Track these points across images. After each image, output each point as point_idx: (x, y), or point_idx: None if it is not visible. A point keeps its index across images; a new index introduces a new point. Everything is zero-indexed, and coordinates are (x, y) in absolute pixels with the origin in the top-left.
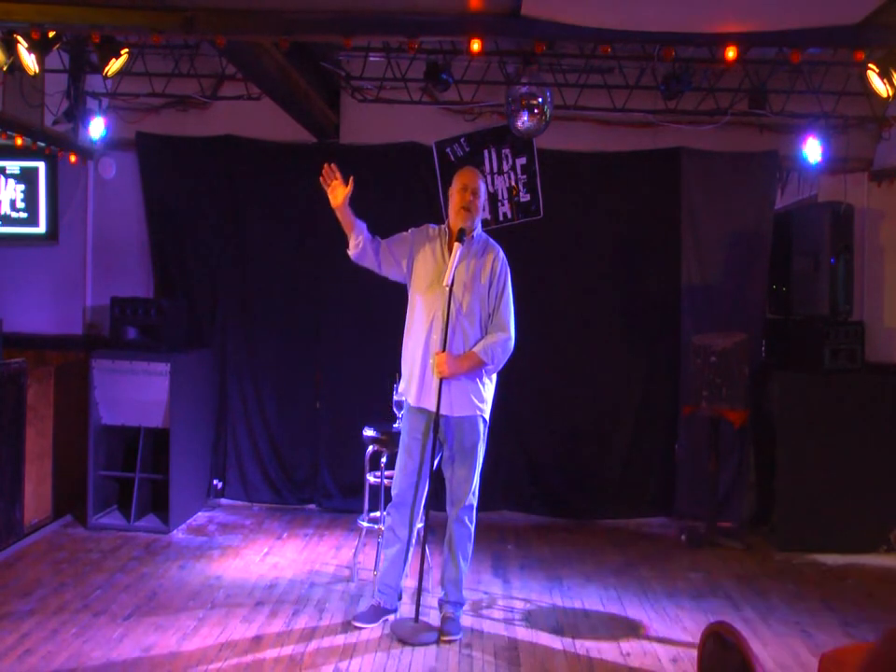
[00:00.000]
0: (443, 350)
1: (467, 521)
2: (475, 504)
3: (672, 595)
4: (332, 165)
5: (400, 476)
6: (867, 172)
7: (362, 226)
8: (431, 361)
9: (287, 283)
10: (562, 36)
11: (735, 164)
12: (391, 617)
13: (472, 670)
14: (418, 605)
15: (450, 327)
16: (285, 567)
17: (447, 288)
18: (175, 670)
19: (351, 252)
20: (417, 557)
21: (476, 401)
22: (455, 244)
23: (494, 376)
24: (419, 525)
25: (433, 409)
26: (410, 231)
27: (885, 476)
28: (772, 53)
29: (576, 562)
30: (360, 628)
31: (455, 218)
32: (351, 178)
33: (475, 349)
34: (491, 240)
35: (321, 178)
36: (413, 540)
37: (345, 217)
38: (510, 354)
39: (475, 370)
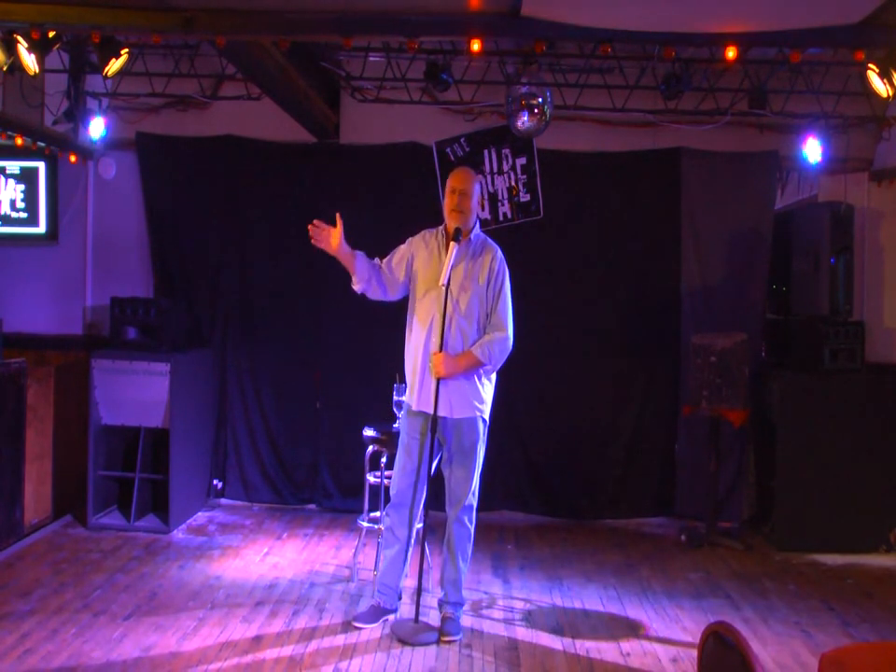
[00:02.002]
0: (441, 350)
1: (466, 521)
2: (475, 505)
3: (672, 595)
4: (315, 221)
5: (399, 476)
6: (867, 172)
7: (362, 261)
8: (430, 363)
9: (288, 282)
10: (562, 36)
11: (735, 164)
12: (391, 617)
13: (472, 670)
14: (418, 605)
15: (447, 327)
16: (285, 567)
17: (444, 288)
18: (175, 670)
19: (356, 288)
20: (417, 557)
21: (475, 402)
22: (451, 243)
23: (493, 376)
24: (418, 525)
25: (432, 411)
26: (406, 242)
27: (885, 476)
28: (772, 53)
29: (576, 562)
30: (360, 628)
31: (448, 220)
32: (338, 216)
33: (472, 349)
34: (489, 240)
35: (311, 241)
36: (413, 541)
37: (345, 256)
38: (508, 353)
39: (473, 369)
